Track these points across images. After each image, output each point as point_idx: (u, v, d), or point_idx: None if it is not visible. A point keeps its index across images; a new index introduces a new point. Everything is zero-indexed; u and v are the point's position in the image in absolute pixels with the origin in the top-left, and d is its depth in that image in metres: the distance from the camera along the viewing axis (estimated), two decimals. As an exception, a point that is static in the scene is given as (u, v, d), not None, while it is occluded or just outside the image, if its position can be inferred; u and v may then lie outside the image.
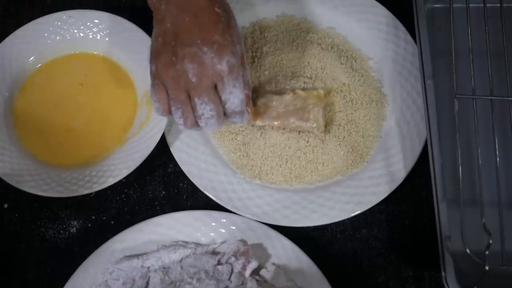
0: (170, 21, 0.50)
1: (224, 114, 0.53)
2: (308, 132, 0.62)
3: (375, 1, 0.68)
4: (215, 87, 0.51)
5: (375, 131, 0.64)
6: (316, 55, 0.66)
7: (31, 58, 0.67)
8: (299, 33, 0.69)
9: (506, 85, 0.59)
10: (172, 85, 0.50)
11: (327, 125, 0.63)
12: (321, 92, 0.62)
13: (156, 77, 0.51)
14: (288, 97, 0.61)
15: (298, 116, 0.61)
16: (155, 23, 0.52)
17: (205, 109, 0.51)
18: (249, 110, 0.55)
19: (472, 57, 0.58)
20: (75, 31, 0.68)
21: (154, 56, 0.51)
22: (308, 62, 0.66)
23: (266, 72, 0.66)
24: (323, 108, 0.61)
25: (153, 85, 0.52)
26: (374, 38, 0.68)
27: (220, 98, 0.51)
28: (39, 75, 0.67)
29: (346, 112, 0.64)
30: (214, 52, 0.49)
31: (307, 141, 0.62)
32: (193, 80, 0.49)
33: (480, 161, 0.54)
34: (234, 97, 0.51)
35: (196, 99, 0.50)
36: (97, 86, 0.67)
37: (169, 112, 0.52)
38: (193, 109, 0.51)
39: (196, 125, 0.53)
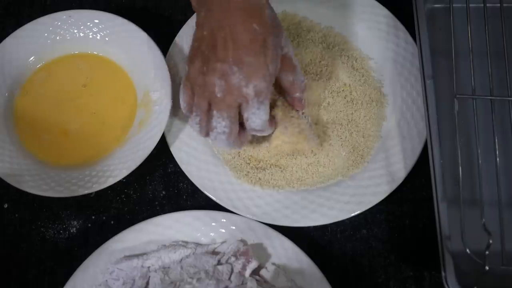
0: (207, 30, 0.50)
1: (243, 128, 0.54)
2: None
3: (375, 1, 0.68)
4: (239, 106, 0.51)
5: (376, 131, 0.64)
6: (318, 53, 0.66)
7: (31, 58, 0.67)
8: (300, 31, 0.69)
9: (506, 85, 0.59)
10: (198, 92, 0.51)
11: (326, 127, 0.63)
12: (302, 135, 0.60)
13: (187, 78, 0.53)
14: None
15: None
16: (196, 24, 0.52)
17: (220, 124, 0.52)
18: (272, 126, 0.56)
19: (472, 57, 0.57)
20: (75, 31, 0.68)
21: (191, 58, 0.52)
22: (311, 60, 0.66)
23: None
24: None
25: (183, 83, 0.53)
26: (374, 38, 0.68)
27: (243, 115, 0.52)
28: (39, 75, 0.67)
29: (346, 112, 0.64)
30: (244, 74, 0.49)
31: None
32: (218, 95, 0.50)
33: (480, 161, 0.54)
34: (256, 117, 0.52)
35: (215, 112, 0.51)
36: (97, 86, 0.67)
37: (191, 113, 0.54)
38: (210, 120, 0.52)
39: (208, 135, 0.54)
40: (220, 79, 0.49)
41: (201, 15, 0.51)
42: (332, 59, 0.66)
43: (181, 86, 0.54)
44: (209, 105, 0.52)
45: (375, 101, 0.65)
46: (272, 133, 0.58)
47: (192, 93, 0.53)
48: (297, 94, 0.56)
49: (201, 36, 0.51)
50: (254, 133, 0.55)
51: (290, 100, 0.57)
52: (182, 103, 0.54)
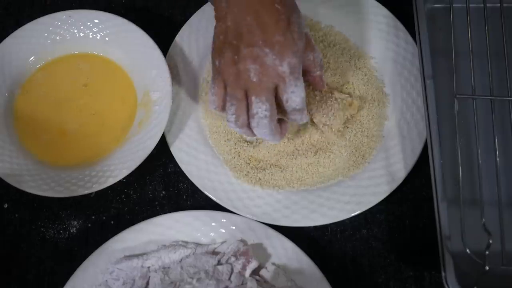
0: (231, 20, 0.51)
1: (284, 113, 0.54)
2: (322, 127, 0.62)
3: (375, 1, 0.68)
4: (275, 89, 0.51)
5: (378, 130, 0.64)
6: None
7: (31, 58, 0.67)
8: (299, 30, 0.68)
9: (506, 85, 0.59)
10: (232, 82, 0.51)
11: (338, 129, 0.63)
12: (355, 102, 0.62)
13: (217, 72, 0.52)
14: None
15: (319, 107, 0.60)
16: (216, 20, 0.52)
17: (260, 108, 0.51)
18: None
19: (472, 57, 0.57)
20: (75, 31, 0.68)
21: (217, 52, 0.52)
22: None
23: None
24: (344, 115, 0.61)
25: (213, 79, 0.53)
26: (375, 38, 0.68)
27: (281, 98, 0.52)
28: (39, 75, 0.67)
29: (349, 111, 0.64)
30: (276, 53, 0.49)
31: (310, 143, 0.62)
32: (254, 79, 0.50)
33: (480, 161, 0.54)
34: (296, 95, 0.51)
35: (253, 98, 0.51)
36: (97, 86, 0.67)
37: (223, 108, 0.54)
38: (248, 108, 0.52)
39: (247, 125, 0.53)
40: (254, 64, 0.49)
41: (222, 8, 0.51)
42: (335, 58, 0.66)
43: (211, 81, 0.54)
44: (245, 93, 0.51)
45: (377, 100, 0.65)
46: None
47: (223, 86, 0.52)
48: (318, 72, 0.57)
49: (225, 28, 0.51)
50: (294, 116, 0.54)
51: (311, 79, 0.58)
52: (213, 98, 0.53)
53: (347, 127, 0.63)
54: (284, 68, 0.50)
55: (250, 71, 0.50)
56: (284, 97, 0.51)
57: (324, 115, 0.60)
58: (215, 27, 0.53)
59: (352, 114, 0.62)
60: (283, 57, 0.49)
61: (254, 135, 0.54)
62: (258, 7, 0.50)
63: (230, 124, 0.54)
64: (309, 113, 0.60)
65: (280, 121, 0.55)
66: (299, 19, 0.52)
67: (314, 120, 0.61)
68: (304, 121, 0.55)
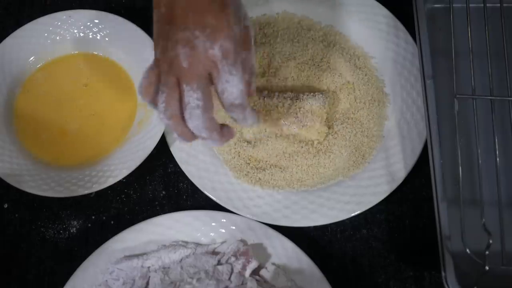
0: (164, 5, 0.47)
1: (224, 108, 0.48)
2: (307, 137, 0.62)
3: (375, 1, 0.68)
4: (210, 78, 0.46)
5: (378, 130, 0.64)
6: (319, 51, 0.66)
7: (31, 58, 0.67)
8: (300, 30, 0.68)
9: (506, 85, 0.59)
10: (165, 70, 0.47)
11: (330, 125, 0.63)
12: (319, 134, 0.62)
13: (155, 61, 0.48)
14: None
15: (290, 117, 0.60)
16: (153, 8, 0.49)
17: (191, 97, 0.46)
18: (255, 112, 0.50)
19: (472, 57, 0.57)
20: (75, 31, 0.68)
21: (155, 42, 0.48)
22: (312, 57, 0.66)
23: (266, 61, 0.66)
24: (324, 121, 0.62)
25: (148, 70, 0.48)
26: (375, 38, 0.68)
27: (216, 89, 0.47)
28: (39, 75, 0.67)
29: (349, 110, 0.64)
30: (207, 35, 0.45)
31: (311, 144, 0.62)
32: (184, 65, 0.45)
33: (480, 161, 0.54)
34: (232, 86, 0.46)
35: (184, 85, 0.46)
36: (97, 86, 0.67)
37: (152, 95, 0.48)
38: (180, 97, 0.47)
39: (179, 118, 0.47)
40: (184, 47, 0.45)
41: None
42: (335, 58, 0.66)
43: (143, 74, 0.48)
44: (177, 81, 0.46)
45: (377, 100, 0.65)
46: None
47: (157, 74, 0.47)
48: (247, 77, 0.48)
49: (159, 15, 0.47)
50: (235, 115, 0.48)
51: None
52: (143, 89, 0.48)
53: (346, 127, 0.63)
54: (216, 51, 0.45)
55: (180, 56, 0.45)
56: (219, 88, 0.46)
57: (296, 123, 0.60)
58: (153, 16, 0.48)
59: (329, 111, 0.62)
60: (214, 39, 0.45)
61: (189, 133, 0.48)
62: None
63: (160, 116, 0.48)
64: (282, 126, 0.61)
65: (222, 125, 0.50)
66: (237, 2, 0.47)
67: (287, 132, 0.61)
68: (252, 124, 0.50)
